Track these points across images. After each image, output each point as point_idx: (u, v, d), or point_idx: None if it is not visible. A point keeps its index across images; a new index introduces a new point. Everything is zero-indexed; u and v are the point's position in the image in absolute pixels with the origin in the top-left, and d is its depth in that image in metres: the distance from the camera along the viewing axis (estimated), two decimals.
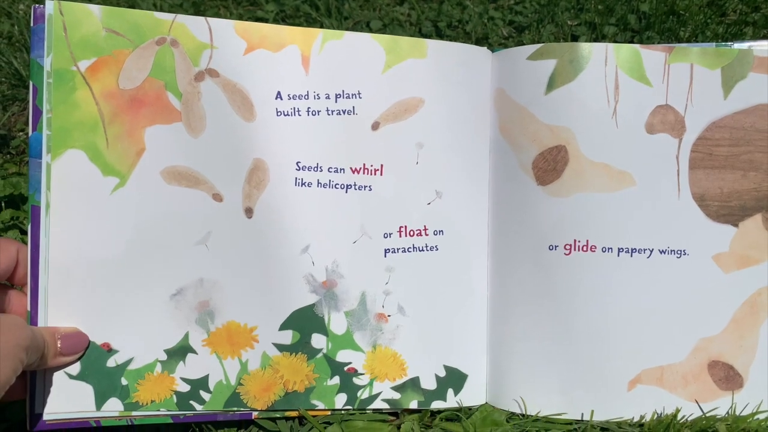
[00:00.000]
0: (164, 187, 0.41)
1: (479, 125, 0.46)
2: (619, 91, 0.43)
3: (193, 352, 0.42)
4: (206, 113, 0.42)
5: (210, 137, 0.42)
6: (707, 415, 0.42)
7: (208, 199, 0.42)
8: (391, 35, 0.44)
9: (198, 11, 0.91)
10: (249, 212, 0.42)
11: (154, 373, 0.42)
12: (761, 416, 0.42)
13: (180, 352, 0.42)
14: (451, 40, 0.81)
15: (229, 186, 0.42)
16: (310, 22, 0.87)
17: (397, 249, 0.45)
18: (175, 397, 0.42)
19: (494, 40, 0.79)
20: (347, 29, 0.84)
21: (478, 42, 0.80)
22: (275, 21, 0.89)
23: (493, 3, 0.85)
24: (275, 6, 0.90)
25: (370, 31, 0.85)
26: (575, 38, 0.78)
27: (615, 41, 0.76)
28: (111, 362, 0.41)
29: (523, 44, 0.83)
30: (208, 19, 0.42)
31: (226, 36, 0.42)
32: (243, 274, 0.42)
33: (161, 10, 0.87)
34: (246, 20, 0.80)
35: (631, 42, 0.76)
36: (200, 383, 0.42)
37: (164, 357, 0.42)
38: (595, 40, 0.77)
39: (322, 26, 0.87)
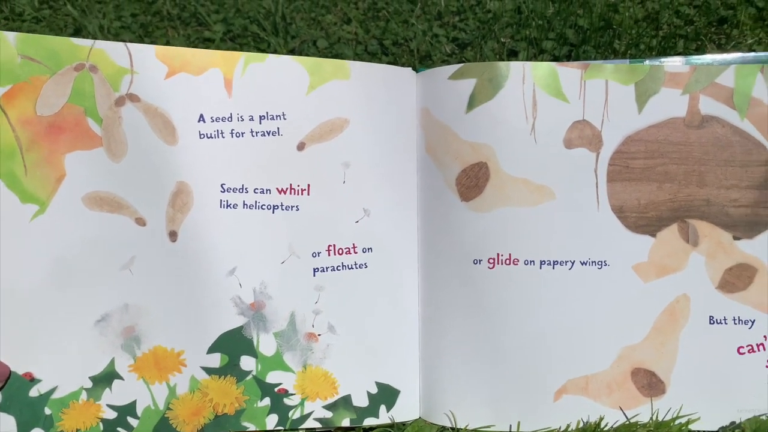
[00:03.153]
0: (86, 212, 0.41)
1: (406, 144, 0.46)
2: (537, 107, 0.44)
3: (120, 378, 0.42)
4: (127, 138, 0.42)
5: (132, 162, 0.42)
6: (630, 421, 0.43)
7: (131, 224, 0.42)
8: (313, 57, 0.45)
9: (146, 32, 0.91)
10: (173, 236, 0.42)
11: (79, 401, 0.41)
12: (682, 420, 0.43)
13: (106, 378, 0.42)
14: (396, 58, 0.82)
15: (153, 210, 0.42)
16: (258, 42, 0.87)
17: (326, 267, 0.45)
18: (101, 424, 0.42)
19: (437, 57, 0.81)
20: (294, 48, 0.85)
21: (422, 59, 0.81)
22: (222, 41, 0.90)
23: (438, 20, 0.87)
24: (223, 26, 0.91)
25: (317, 49, 0.86)
26: (515, 53, 0.80)
27: (553, 55, 0.78)
28: (34, 392, 0.41)
29: (466, 61, 0.84)
30: (128, 44, 0.42)
31: (146, 61, 0.42)
32: (169, 298, 0.42)
33: (108, 32, 0.87)
34: (194, 41, 0.80)
35: (569, 56, 0.79)
36: (127, 409, 0.42)
37: (89, 384, 0.41)
38: (534, 55, 0.79)
39: (269, 45, 0.88)
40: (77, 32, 0.87)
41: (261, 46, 0.82)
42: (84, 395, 0.41)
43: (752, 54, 0.45)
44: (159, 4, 0.89)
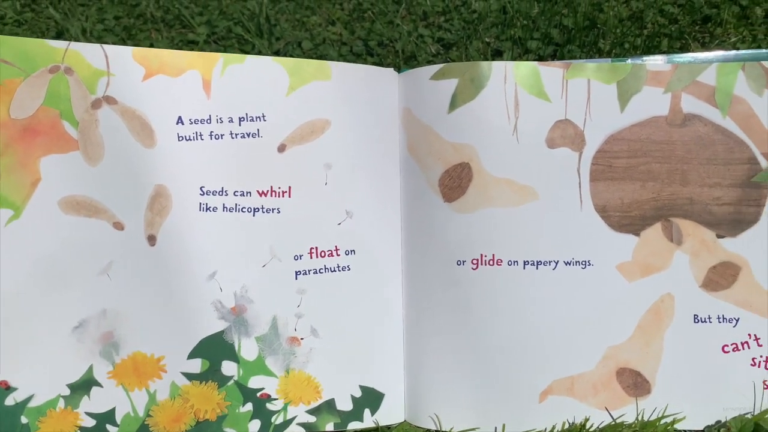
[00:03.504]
0: (62, 217, 0.41)
1: (388, 145, 0.46)
2: (519, 107, 0.44)
3: (98, 385, 0.41)
4: (104, 141, 0.41)
5: (109, 165, 0.41)
6: (616, 422, 0.43)
7: (109, 228, 0.41)
8: (293, 58, 0.44)
9: (129, 35, 0.90)
10: (152, 240, 0.42)
11: (57, 409, 0.41)
12: (668, 420, 0.43)
13: (84, 386, 0.41)
14: (381, 59, 0.81)
15: (131, 214, 0.41)
16: (242, 43, 0.86)
17: (309, 270, 0.44)
18: None
19: (422, 57, 0.80)
20: (278, 50, 0.84)
21: (407, 60, 0.81)
22: (206, 43, 0.89)
23: (424, 21, 0.86)
24: (207, 28, 0.90)
25: (302, 50, 0.85)
26: (500, 53, 0.80)
27: (538, 55, 0.78)
28: (9, 400, 0.40)
29: (451, 61, 0.84)
30: (104, 46, 0.41)
31: (123, 63, 0.41)
32: (148, 303, 0.42)
33: (91, 34, 0.86)
34: (178, 43, 0.79)
35: (554, 55, 0.79)
36: (106, 417, 0.41)
37: (67, 392, 0.41)
38: (519, 54, 0.79)
39: (253, 47, 0.87)
40: (59, 35, 0.86)
41: (245, 48, 0.81)
42: (61, 403, 0.41)
43: (734, 52, 0.45)
44: (142, 7, 0.88)
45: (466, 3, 0.85)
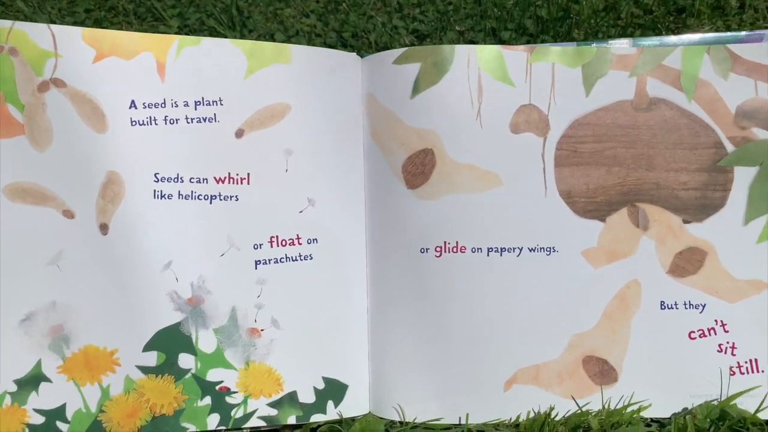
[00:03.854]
0: (8, 205, 0.39)
1: (351, 131, 0.45)
2: (483, 92, 0.43)
3: (47, 380, 0.40)
4: (53, 125, 0.40)
5: (58, 150, 0.40)
6: (582, 410, 0.42)
7: (58, 217, 0.40)
8: (252, 41, 0.43)
9: (99, 27, 0.88)
10: (104, 228, 0.40)
11: (3, 406, 0.39)
12: (634, 408, 0.42)
13: (32, 381, 0.39)
14: (355, 50, 0.80)
15: (81, 201, 0.40)
16: (215, 36, 0.85)
17: (269, 260, 0.43)
18: (27, 430, 0.39)
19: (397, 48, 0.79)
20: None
21: (381, 51, 0.80)
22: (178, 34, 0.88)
23: (399, 12, 0.85)
24: (179, 21, 0.88)
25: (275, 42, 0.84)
26: (474, 44, 0.79)
27: (511, 45, 0.78)
28: None
29: None
30: (51, 26, 0.40)
31: (72, 44, 0.40)
32: (100, 294, 0.40)
33: (60, 23, 0.84)
34: None
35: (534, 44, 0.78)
36: (56, 413, 0.40)
37: (14, 388, 0.39)
38: (495, 44, 0.78)
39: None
40: None
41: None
42: (8, 400, 0.39)
43: (698, 35, 0.45)
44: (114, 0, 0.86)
45: None
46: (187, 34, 0.89)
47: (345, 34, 0.84)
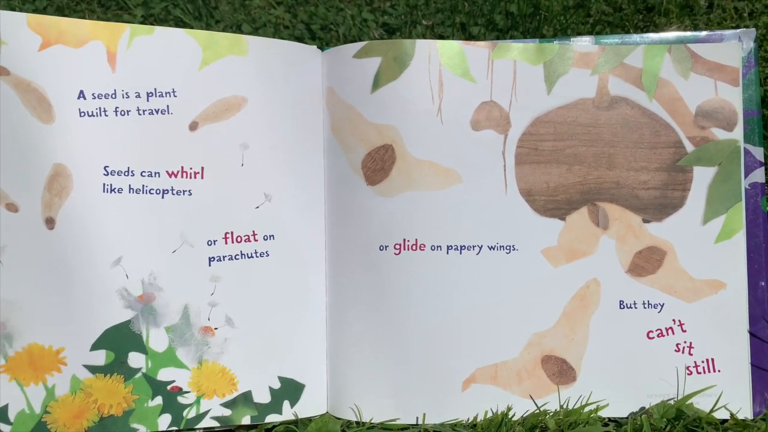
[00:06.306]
0: None
1: (311, 125, 0.44)
2: (444, 88, 0.42)
3: None
4: None
5: (1, 141, 0.38)
6: (540, 410, 0.42)
7: (1, 210, 0.38)
8: (207, 31, 0.42)
9: (62, 15, 0.86)
10: (50, 223, 0.39)
11: None
12: (591, 407, 0.42)
13: None
14: (324, 43, 0.79)
15: (26, 195, 0.38)
16: (180, 26, 0.83)
17: (223, 257, 0.42)
18: None
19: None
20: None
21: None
22: (142, 24, 0.85)
23: (369, 6, 0.84)
24: (143, 10, 0.86)
25: (242, 34, 0.83)
26: (442, 38, 0.78)
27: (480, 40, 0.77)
28: None
29: None
30: None
31: (16, 30, 0.38)
32: (45, 291, 0.39)
33: (19, 11, 0.82)
34: None
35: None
36: None
37: None
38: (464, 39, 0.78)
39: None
40: None
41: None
42: None
43: (660, 34, 0.45)
44: None
45: None
46: (151, 24, 0.86)
47: (314, 27, 0.83)
